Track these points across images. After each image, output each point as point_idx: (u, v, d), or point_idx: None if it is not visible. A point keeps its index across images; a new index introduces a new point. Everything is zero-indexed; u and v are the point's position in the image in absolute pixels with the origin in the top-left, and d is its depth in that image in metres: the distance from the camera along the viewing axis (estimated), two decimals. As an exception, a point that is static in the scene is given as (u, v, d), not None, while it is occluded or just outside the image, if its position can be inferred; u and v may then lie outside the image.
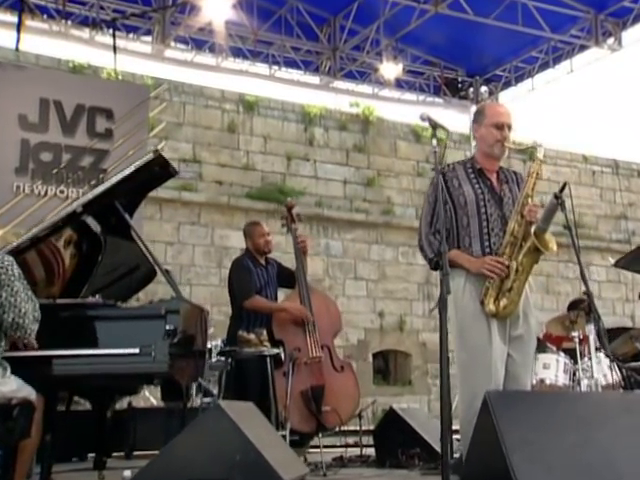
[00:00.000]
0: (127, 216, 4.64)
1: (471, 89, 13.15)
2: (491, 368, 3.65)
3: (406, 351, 12.60)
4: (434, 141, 3.52)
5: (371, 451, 5.90)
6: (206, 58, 11.56)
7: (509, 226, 3.77)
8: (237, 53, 11.75)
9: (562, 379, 5.80)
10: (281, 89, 12.53)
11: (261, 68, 12.08)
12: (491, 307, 3.70)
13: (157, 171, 4.78)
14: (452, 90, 13.02)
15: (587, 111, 34.27)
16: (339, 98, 13.06)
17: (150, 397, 8.51)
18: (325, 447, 5.57)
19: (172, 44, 10.97)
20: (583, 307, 3.92)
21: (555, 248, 3.74)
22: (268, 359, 5.32)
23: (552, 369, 5.86)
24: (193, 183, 11.48)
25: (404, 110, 13.62)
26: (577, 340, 5.80)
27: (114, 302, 4.23)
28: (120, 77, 11.05)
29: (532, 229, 3.70)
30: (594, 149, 14.87)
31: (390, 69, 12.02)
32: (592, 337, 3.90)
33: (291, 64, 12.31)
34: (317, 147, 12.48)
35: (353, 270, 12.39)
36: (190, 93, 11.82)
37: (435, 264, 3.62)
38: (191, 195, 11.36)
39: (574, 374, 5.91)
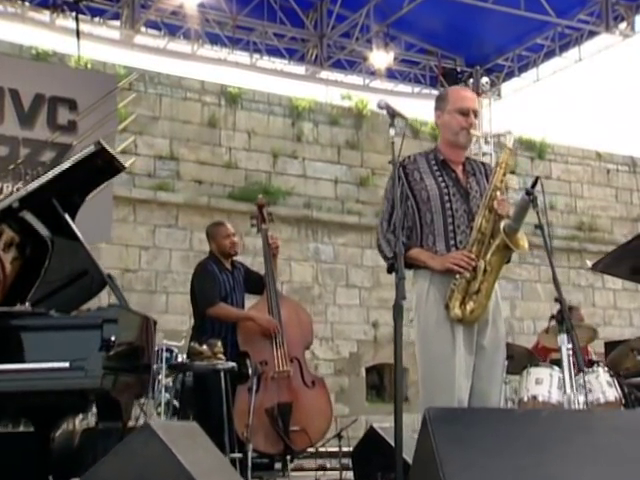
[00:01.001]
0: (67, 215, 4.49)
1: (471, 80, 12.98)
2: (454, 383, 3.59)
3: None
4: (392, 131, 3.51)
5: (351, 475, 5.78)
6: (180, 45, 11.33)
7: (476, 222, 3.73)
8: (214, 40, 11.53)
9: (556, 395, 5.68)
10: (263, 80, 12.58)
11: (241, 57, 11.91)
12: (456, 311, 3.65)
13: (100, 166, 4.56)
14: (450, 81, 12.77)
15: (598, 103, 33.94)
16: (329, 90, 12.99)
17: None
18: (303, 470, 5.40)
19: (142, 29, 10.77)
20: (555, 315, 3.72)
21: (527, 246, 3.70)
22: (222, 373, 5.25)
23: (545, 384, 5.76)
24: (170, 182, 11.35)
25: (398, 103, 12.97)
26: (567, 352, 5.58)
27: (46, 310, 4.05)
28: (89, 66, 10.92)
29: (501, 225, 3.66)
30: (608, 145, 15.07)
31: (380, 58, 11.90)
32: (564, 349, 3.70)
33: (274, 52, 12.09)
34: (306, 143, 12.36)
35: (345, 277, 12.24)
36: (167, 84, 11.67)
37: (392, 266, 3.60)
38: (168, 195, 11.23)
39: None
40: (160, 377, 5.70)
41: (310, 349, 6.27)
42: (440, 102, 3.99)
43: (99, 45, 10.66)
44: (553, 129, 26.47)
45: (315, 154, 12.52)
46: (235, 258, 6.14)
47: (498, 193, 3.77)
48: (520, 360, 6.09)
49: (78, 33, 9.70)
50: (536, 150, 13.90)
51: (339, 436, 6.01)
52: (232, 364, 5.35)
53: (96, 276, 4.54)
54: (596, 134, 27.16)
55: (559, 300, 3.58)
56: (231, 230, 6.00)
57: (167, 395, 5.94)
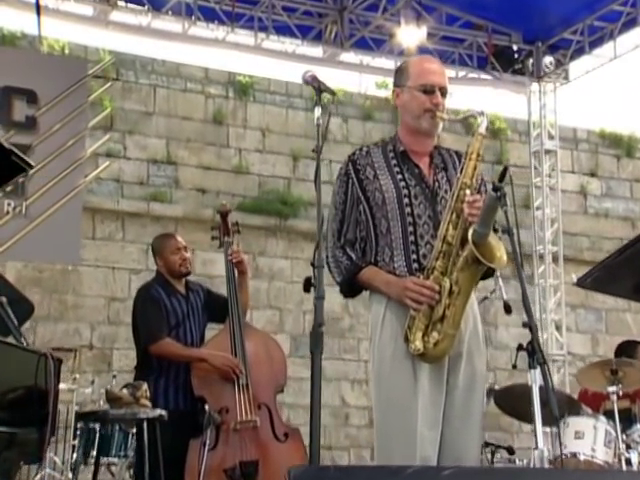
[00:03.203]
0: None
1: (530, 60, 11.69)
2: (414, 434, 3.38)
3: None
4: (317, 110, 3.39)
5: None
6: (167, 23, 10.19)
7: (441, 229, 3.50)
8: (210, 16, 10.34)
9: (602, 454, 5.39)
10: (270, 65, 11.65)
11: (243, 36, 10.66)
12: (417, 344, 3.43)
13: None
14: (504, 62, 11.61)
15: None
16: (362, 78, 12.06)
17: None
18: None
19: (120, 3, 9.62)
20: (525, 346, 3.27)
21: (505, 259, 3.41)
22: (145, 423, 5.02)
23: (588, 439, 5.44)
24: (167, 192, 10.72)
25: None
26: (614, 397, 5.59)
27: None
28: (67, 51, 10.37)
29: (469, 233, 3.40)
30: None
31: (410, 34, 10.59)
32: (535, 389, 3.20)
33: (283, 31, 10.92)
34: (333, 143, 11.29)
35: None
36: (162, 73, 11.12)
37: (347, 290, 3.61)
38: (164, 207, 10.57)
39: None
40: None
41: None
42: (399, 77, 3.76)
43: (66, 23, 9.70)
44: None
45: (344, 156, 11.24)
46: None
47: (467, 192, 3.49)
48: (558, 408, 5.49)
49: (38, 8, 8.70)
50: (623, 147, 13.10)
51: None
52: (158, 412, 5.07)
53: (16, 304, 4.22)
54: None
55: (529, 325, 3.20)
56: (181, 243, 5.71)
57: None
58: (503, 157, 12.19)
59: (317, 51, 11.44)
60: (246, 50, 10.65)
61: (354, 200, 3.59)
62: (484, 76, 12.01)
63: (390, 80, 11.22)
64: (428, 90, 3.63)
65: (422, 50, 11.04)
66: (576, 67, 11.96)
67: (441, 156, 3.76)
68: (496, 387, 6.24)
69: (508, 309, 5.86)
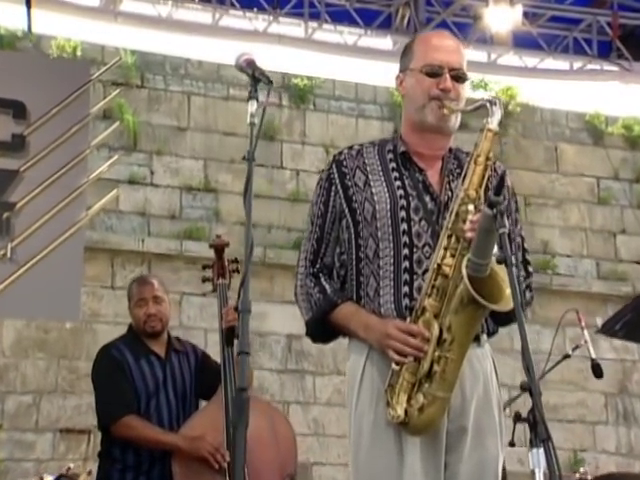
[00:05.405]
0: None
1: None
2: None
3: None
4: (252, 105, 3.06)
5: None
6: (192, 12, 9.85)
7: (434, 257, 3.15)
8: (245, 2, 9.91)
9: None
10: (323, 62, 10.78)
11: (289, 27, 10.38)
12: (397, 410, 3.09)
13: None
14: (634, 49, 11.00)
15: None
16: None
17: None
18: None
19: None
20: (525, 416, 2.77)
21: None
22: None
23: None
24: (205, 227, 9.82)
25: (546, 88, 11.72)
26: None
27: None
28: (79, 52, 9.69)
29: (463, 266, 3.09)
30: None
31: (501, 16, 9.95)
32: (538, 476, 2.77)
33: (340, 18, 10.50)
34: None
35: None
36: (198, 77, 10.15)
37: (317, 332, 3.28)
38: (201, 247, 9.34)
39: None
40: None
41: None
42: (403, 58, 3.44)
43: (69, 17, 9.38)
44: None
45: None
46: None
47: (470, 207, 3.12)
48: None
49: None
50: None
51: None
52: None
53: None
54: None
55: (528, 388, 2.74)
56: (150, 292, 5.36)
57: None
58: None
59: (385, 42, 11.31)
60: (292, 44, 10.33)
61: (336, 213, 3.35)
62: (608, 67, 11.50)
63: (487, 77, 10.98)
64: (435, 72, 3.34)
65: (518, 37, 10.57)
66: None
67: (458, 160, 3.43)
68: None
69: (598, 372, 5.57)
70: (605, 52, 11.40)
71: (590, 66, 11.41)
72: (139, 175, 9.47)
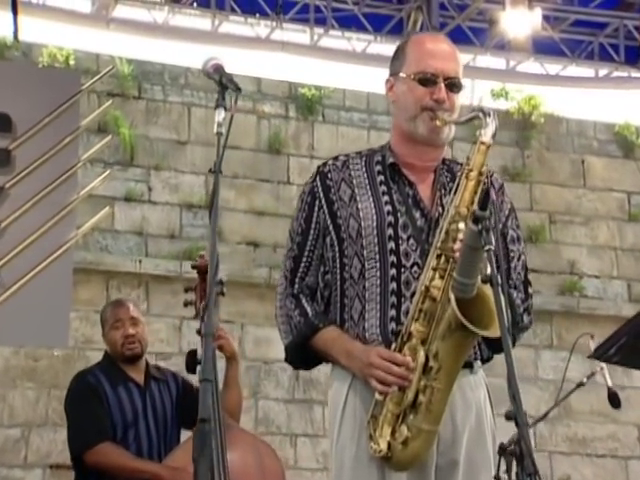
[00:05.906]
0: None
1: None
2: None
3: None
4: (218, 114, 2.89)
5: None
6: (190, 18, 9.77)
7: (422, 278, 3.08)
8: (246, 7, 9.77)
9: None
10: (330, 70, 10.72)
11: (293, 33, 10.24)
12: (380, 445, 3.01)
13: None
14: None
15: None
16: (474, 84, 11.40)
17: None
18: None
19: None
20: (510, 448, 2.63)
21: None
22: None
23: None
24: (206, 246, 9.18)
25: (571, 97, 11.54)
26: None
27: None
28: (72, 61, 9.53)
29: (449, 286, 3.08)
30: None
31: (518, 20, 9.69)
32: None
33: (348, 24, 10.40)
34: None
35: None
36: (198, 87, 9.84)
37: (296, 357, 3.21)
38: None
39: None
40: None
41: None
42: (394, 62, 3.38)
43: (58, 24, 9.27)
44: None
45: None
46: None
47: (461, 225, 3.05)
48: None
49: (15, 3, 7.74)
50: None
51: None
52: None
53: None
54: None
55: (514, 418, 2.57)
56: (126, 314, 5.26)
57: None
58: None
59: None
60: (298, 51, 10.17)
61: (320, 230, 3.24)
62: (636, 74, 11.22)
63: (508, 86, 10.67)
64: (428, 80, 3.23)
65: (538, 42, 10.21)
66: None
67: (451, 173, 3.34)
68: None
69: (615, 401, 5.48)
70: (633, 58, 11.22)
71: (617, 73, 11.19)
72: (136, 192, 9.27)
